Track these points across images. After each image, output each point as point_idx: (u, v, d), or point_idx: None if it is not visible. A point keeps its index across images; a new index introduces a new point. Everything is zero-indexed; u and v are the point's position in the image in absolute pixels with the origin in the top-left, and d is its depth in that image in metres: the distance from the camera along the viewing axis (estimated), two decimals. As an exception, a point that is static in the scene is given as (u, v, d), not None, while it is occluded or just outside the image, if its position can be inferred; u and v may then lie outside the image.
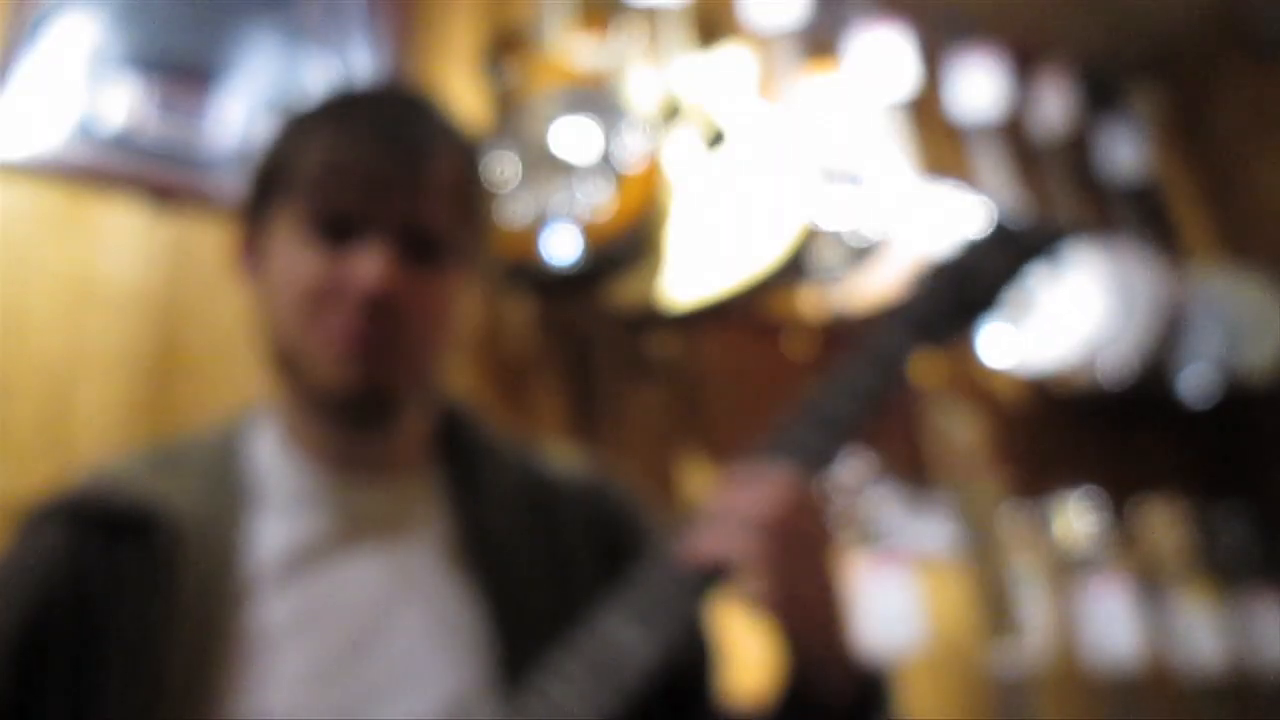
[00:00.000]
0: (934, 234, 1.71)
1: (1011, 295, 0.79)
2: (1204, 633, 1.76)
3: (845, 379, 0.73)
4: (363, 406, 0.74)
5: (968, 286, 0.79)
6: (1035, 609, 1.63)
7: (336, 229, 0.73)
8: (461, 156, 0.79)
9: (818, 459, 0.69)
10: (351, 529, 0.74)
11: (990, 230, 0.82)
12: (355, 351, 0.71)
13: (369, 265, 0.71)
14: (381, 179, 0.74)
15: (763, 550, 0.64)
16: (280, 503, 0.74)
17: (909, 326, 0.77)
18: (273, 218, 0.75)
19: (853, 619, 0.68)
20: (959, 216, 1.78)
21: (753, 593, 0.64)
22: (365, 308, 0.71)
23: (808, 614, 0.65)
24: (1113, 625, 1.67)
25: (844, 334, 1.65)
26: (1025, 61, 2.13)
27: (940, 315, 0.78)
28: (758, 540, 0.64)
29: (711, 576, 0.64)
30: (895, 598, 1.48)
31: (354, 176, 0.74)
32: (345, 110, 0.79)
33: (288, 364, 0.75)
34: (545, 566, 0.76)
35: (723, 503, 0.67)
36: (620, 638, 0.61)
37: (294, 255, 0.73)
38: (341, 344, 0.71)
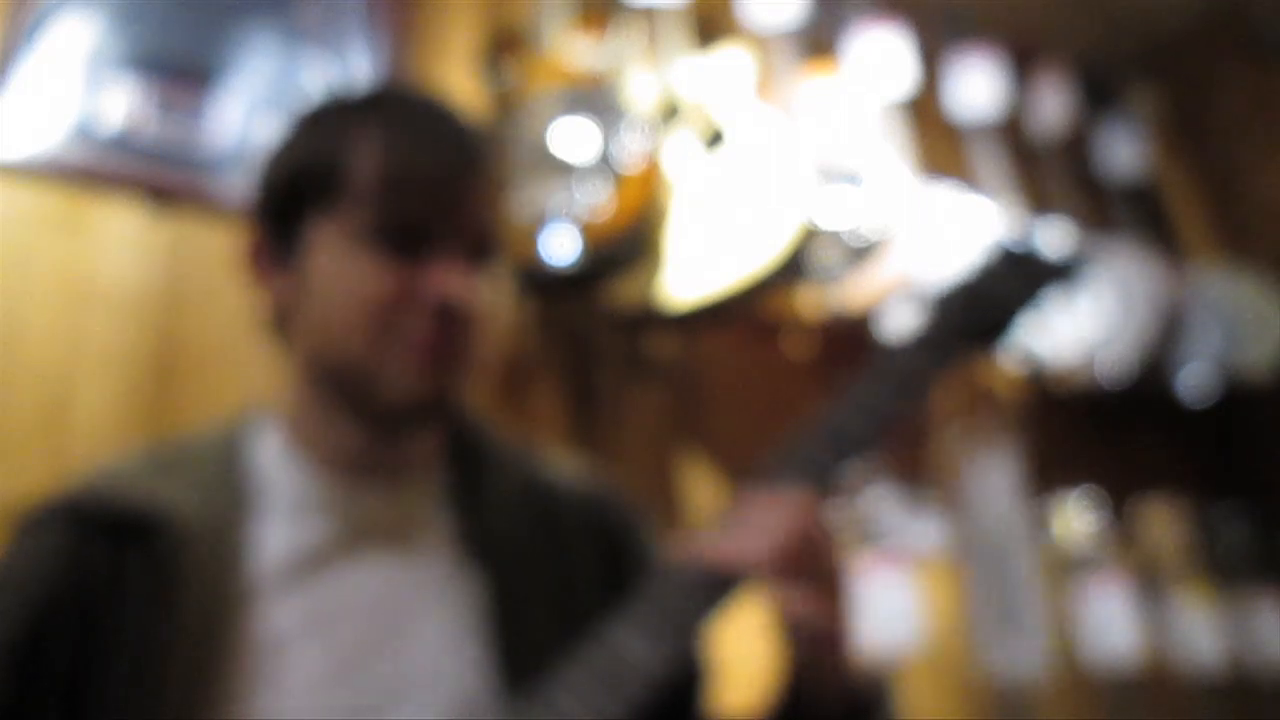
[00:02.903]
0: (934, 235, 1.71)
1: (1026, 320, 0.80)
2: (1203, 632, 1.76)
3: (860, 398, 0.74)
4: (425, 414, 0.74)
5: (983, 311, 0.80)
6: (1035, 609, 1.63)
7: (404, 238, 0.72)
8: (492, 156, 0.79)
9: (829, 477, 0.70)
10: (358, 534, 0.73)
11: (1005, 253, 0.82)
12: (433, 361, 0.72)
13: (450, 277, 0.71)
14: (452, 188, 0.74)
15: (782, 558, 0.64)
16: (285, 507, 0.73)
17: (925, 349, 0.78)
18: (315, 225, 0.73)
19: (858, 632, 0.70)
20: (961, 219, 1.78)
21: (770, 601, 0.65)
22: (444, 318, 0.71)
23: (819, 628, 0.66)
24: (1112, 625, 1.67)
25: (843, 334, 1.65)
26: (1024, 61, 2.13)
27: (955, 338, 0.78)
28: (777, 548, 0.64)
29: (725, 582, 0.65)
30: (894, 597, 1.48)
31: (424, 187, 0.73)
32: (390, 114, 0.77)
33: (343, 375, 0.73)
34: (549, 573, 0.76)
35: (741, 513, 0.68)
36: (627, 649, 0.61)
37: (357, 266, 0.72)
38: (421, 355, 0.71)
